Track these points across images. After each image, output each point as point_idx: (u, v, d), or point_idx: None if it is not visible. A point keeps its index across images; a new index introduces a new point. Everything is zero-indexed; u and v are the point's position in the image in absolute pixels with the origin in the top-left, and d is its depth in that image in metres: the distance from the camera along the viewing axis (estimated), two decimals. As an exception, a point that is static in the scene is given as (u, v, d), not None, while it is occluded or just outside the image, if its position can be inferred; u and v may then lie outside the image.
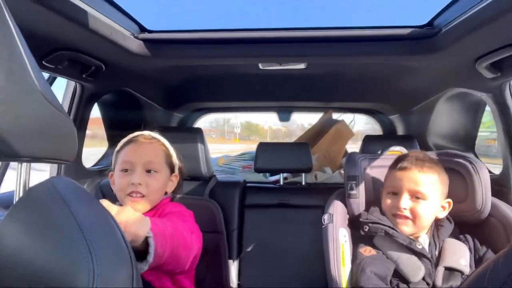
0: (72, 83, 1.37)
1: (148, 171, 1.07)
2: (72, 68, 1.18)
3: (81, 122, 1.42)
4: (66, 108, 1.37)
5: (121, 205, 1.16)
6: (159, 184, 1.09)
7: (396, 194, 1.08)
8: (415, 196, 1.04)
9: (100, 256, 0.39)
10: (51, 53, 1.04)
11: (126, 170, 1.07)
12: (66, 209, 0.42)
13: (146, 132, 1.16)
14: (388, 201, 1.10)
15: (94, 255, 0.38)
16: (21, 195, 0.51)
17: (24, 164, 0.52)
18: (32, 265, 0.37)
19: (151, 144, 1.12)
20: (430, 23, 1.12)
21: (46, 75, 1.21)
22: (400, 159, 1.11)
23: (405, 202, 1.05)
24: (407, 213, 1.04)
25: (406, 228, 1.05)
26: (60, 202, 0.42)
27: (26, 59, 0.43)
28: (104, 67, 1.25)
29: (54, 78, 1.28)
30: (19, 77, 0.42)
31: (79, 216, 0.41)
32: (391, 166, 1.13)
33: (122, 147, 1.12)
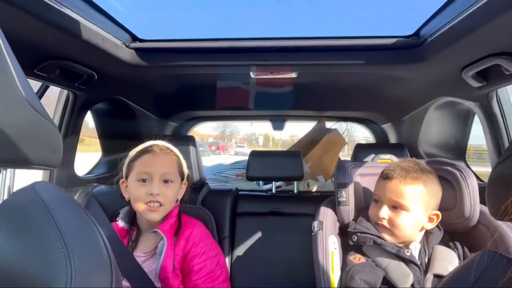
0: (65, 92, 1.37)
1: (165, 181, 1.11)
2: (64, 77, 1.19)
3: (73, 130, 1.42)
4: (58, 116, 1.38)
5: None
6: (174, 193, 1.14)
7: (378, 202, 1.08)
8: (395, 206, 1.04)
9: (79, 259, 0.39)
10: (42, 61, 1.05)
11: (143, 180, 1.10)
12: (46, 213, 0.42)
13: (160, 142, 1.19)
14: (372, 208, 1.10)
15: (72, 258, 0.38)
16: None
17: (8, 169, 0.53)
18: (10, 267, 0.38)
19: (166, 155, 1.16)
20: (416, 33, 1.14)
21: (38, 83, 1.22)
22: (387, 167, 1.11)
23: (385, 212, 1.05)
24: (385, 222, 1.05)
25: (387, 237, 1.05)
26: (41, 206, 0.43)
27: (11, 66, 0.43)
28: (96, 75, 1.26)
29: (47, 87, 1.28)
30: (3, 84, 0.42)
31: (59, 220, 0.42)
32: (380, 173, 1.13)
33: (137, 157, 1.14)
